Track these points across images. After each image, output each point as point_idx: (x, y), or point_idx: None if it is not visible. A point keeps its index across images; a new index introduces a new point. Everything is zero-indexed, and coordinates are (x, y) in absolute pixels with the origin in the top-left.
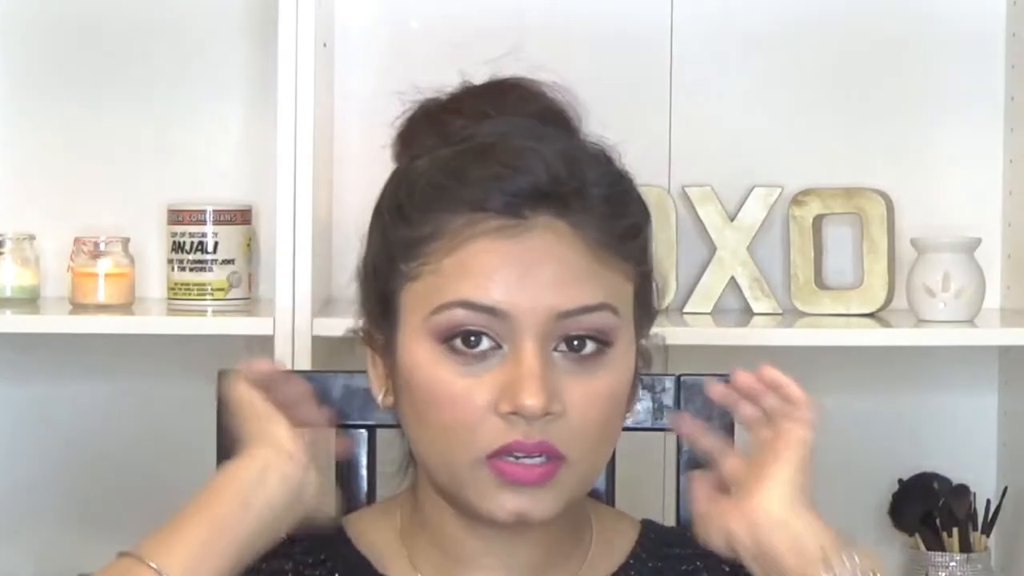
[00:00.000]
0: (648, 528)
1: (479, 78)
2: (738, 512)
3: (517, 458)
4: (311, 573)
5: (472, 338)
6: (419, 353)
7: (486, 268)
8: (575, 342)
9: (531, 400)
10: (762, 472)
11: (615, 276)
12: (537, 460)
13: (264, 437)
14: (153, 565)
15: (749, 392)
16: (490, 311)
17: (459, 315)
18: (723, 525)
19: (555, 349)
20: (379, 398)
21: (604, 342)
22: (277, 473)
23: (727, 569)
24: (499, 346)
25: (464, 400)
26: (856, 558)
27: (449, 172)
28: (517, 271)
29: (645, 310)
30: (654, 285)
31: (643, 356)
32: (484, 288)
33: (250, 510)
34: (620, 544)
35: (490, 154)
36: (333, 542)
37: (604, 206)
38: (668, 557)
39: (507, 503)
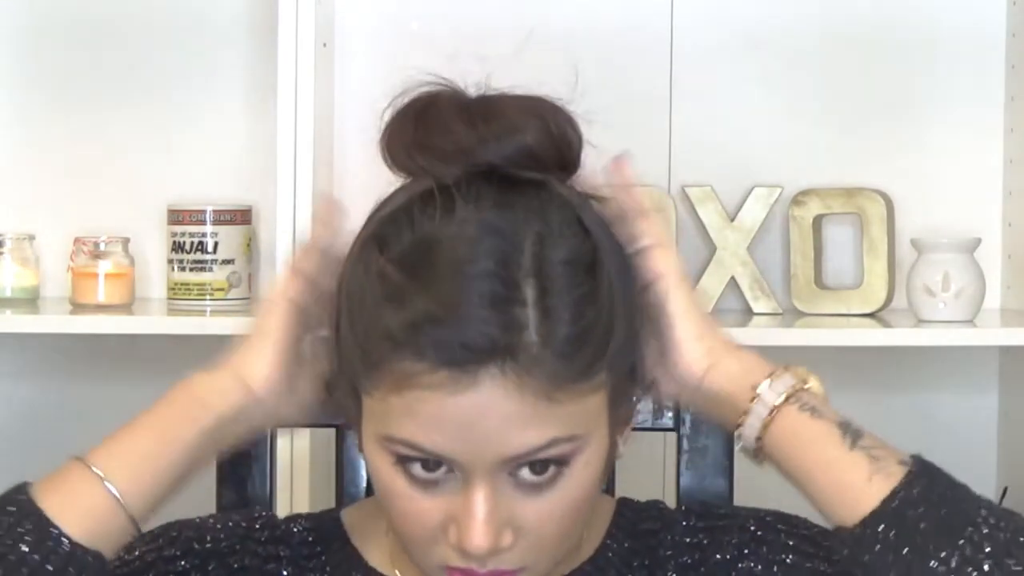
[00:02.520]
0: (622, 506)
1: (479, 77)
2: (668, 378)
3: None
4: (306, 564)
5: (423, 467)
6: (377, 461)
7: (431, 418)
8: (525, 471)
9: (478, 544)
10: (667, 329)
11: (573, 404)
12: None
13: (240, 361)
14: (98, 471)
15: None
16: (434, 454)
17: (408, 451)
18: (669, 392)
19: (509, 474)
20: (357, 440)
21: (558, 467)
22: (231, 402)
23: (700, 539)
24: (452, 471)
25: (418, 519)
26: (788, 375)
27: (392, 308)
28: (459, 426)
29: (625, 403)
30: (639, 356)
31: (627, 418)
32: (429, 436)
33: (197, 424)
34: (596, 525)
35: (434, 296)
36: (329, 534)
37: (563, 346)
38: (642, 534)
39: None
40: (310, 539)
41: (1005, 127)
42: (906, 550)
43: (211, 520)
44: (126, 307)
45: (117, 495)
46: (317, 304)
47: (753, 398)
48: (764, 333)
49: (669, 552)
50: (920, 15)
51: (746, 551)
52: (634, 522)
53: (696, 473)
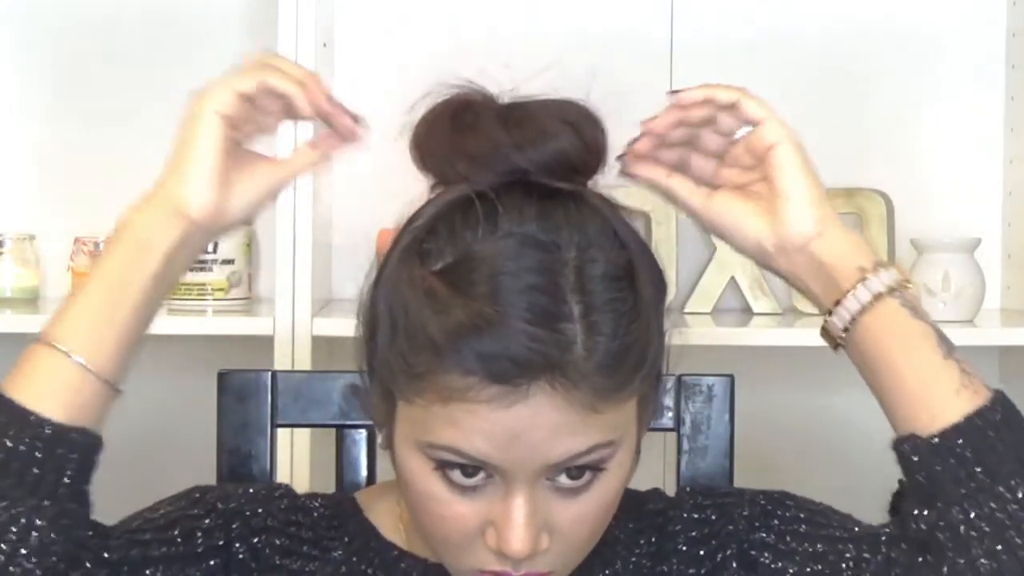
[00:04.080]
0: (624, 494)
1: (479, 77)
2: (769, 231)
3: None
4: (324, 533)
5: (463, 473)
6: (413, 464)
7: (475, 429)
8: (565, 477)
9: (518, 549)
10: (776, 187)
11: (614, 413)
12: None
13: (175, 190)
14: (59, 346)
15: (696, 113)
16: (479, 461)
17: (450, 456)
18: (754, 238)
19: (547, 479)
20: (379, 437)
21: (598, 469)
22: (173, 237)
23: (708, 515)
24: (492, 476)
25: (455, 522)
26: (891, 270)
27: (440, 322)
28: (507, 435)
29: (652, 396)
30: (665, 362)
31: (649, 421)
32: (473, 444)
33: (147, 269)
34: None
35: (484, 311)
36: (345, 510)
37: (607, 362)
38: (645, 515)
39: None
40: (327, 513)
41: (1005, 127)
42: (979, 469)
43: (231, 486)
44: None
45: (85, 364)
46: (250, 111)
47: (859, 280)
48: (764, 333)
49: (678, 527)
50: (920, 15)
51: (757, 523)
52: (637, 506)
53: (696, 473)
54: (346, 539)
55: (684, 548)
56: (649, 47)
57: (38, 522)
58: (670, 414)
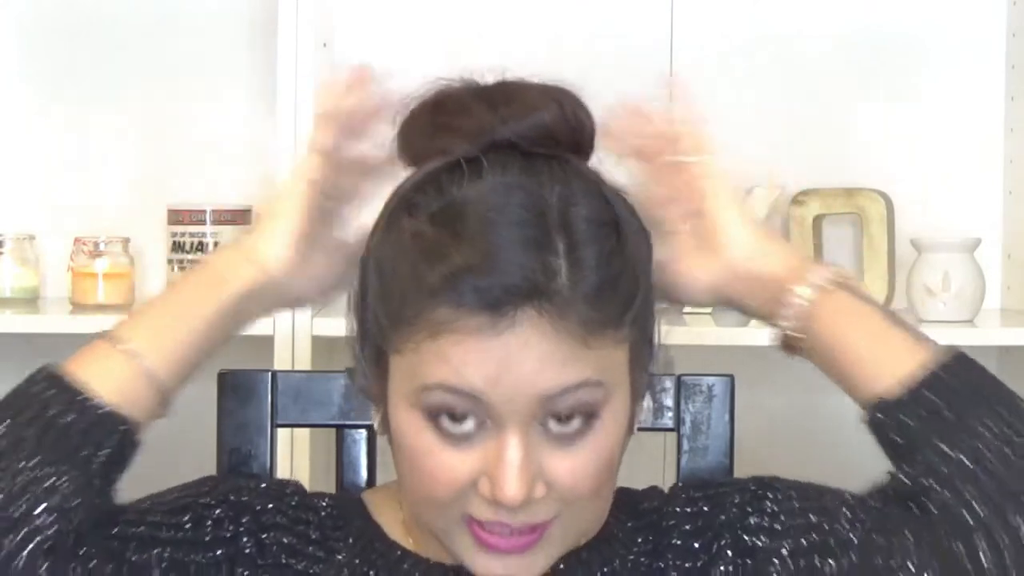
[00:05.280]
0: (621, 493)
1: (478, 77)
2: (717, 265)
3: (501, 534)
4: (331, 533)
5: (456, 417)
6: (405, 421)
7: (466, 360)
8: (559, 419)
9: (511, 493)
10: (712, 222)
11: (603, 349)
12: (519, 531)
13: (256, 242)
14: (127, 346)
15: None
16: (471, 396)
17: (441, 397)
18: (705, 280)
19: (540, 424)
20: (375, 422)
21: (590, 415)
22: (247, 281)
23: (700, 507)
24: (484, 423)
25: (447, 474)
26: (832, 267)
27: (428, 262)
28: (497, 365)
29: (644, 354)
30: (655, 322)
31: (643, 392)
32: (464, 376)
33: (217, 301)
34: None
35: (470, 246)
36: (351, 510)
37: (592, 292)
38: (644, 513)
39: (491, 566)
40: (334, 513)
41: (1005, 127)
42: (948, 414)
43: (244, 479)
44: (126, 307)
45: (140, 360)
46: (340, 176)
47: (801, 279)
48: (764, 333)
49: (672, 522)
50: (920, 15)
51: (749, 509)
52: (635, 504)
53: (696, 473)
54: (350, 540)
55: (679, 542)
56: (649, 47)
57: (62, 484)
58: (670, 414)
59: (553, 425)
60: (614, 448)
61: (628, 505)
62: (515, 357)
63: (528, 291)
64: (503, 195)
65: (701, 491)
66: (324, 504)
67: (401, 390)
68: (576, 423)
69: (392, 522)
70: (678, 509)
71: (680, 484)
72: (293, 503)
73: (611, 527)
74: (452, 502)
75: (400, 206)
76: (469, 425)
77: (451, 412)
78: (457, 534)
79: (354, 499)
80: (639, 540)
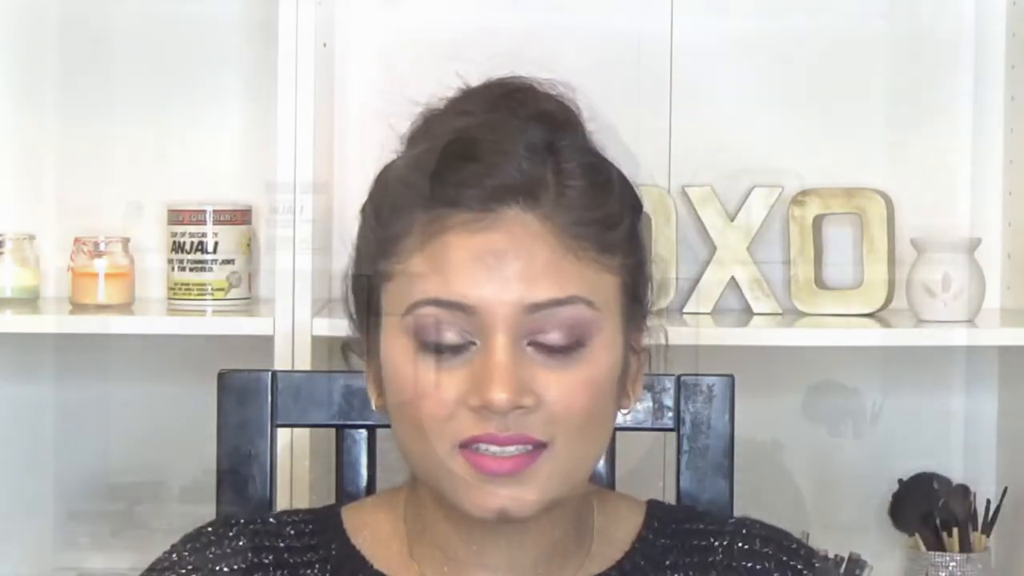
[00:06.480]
0: (654, 508)
1: (478, 77)
2: None
3: (493, 454)
4: (296, 559)
5: (444, 334)
6: (396, 350)
7: (453, 264)
8: (548, 336)
9: (499, 394)
10: None
11: (592, 269)
12: (511, 451)
13: None
14: None
15: None
16: (458, 307)
17: (429, 313)
18: None
19: (528, 343)
20: (372, 400)
21: (579, 340)
22: None
23: (742, 546)
24: (472, 341)
25: (436, 394)
26: None
27: (419, 169)
28: (484, 265)
29: (636, 304)
30: (648, 278)
31: (639, 352)
32: (451, 284)
33: None
34: (624, 529)
35: (460, 150)
36: (327, 531)
37: (578, 197)
38: (678, 533)
39: (485, 500)
40: (309, 529)
41: (1005, 127)
42: None
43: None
44: (126, 307)
45: None
46: None
47: None
48: (764, 333)
49: (720, 557)
50: (920, 15)
51: None
52: (668, 522)
53: (696, 473)
54: (329, 568)
55: None
56: (649, 46)
57: None
58: (670, 414)
59: (543, 342)
60: (604, 380)
61: (661, 521)
62: (501, 257)
63: (515, 189)
64: (489, 117)
65: (769, 546)
66: (289, 530)
67: (392, 321)
68: (564, 342)
69: (379, 544)
70: (734, 548)
71: (744, 521)
72: (239, 545)
73: (637, 550)
74: (444, 425)
75: (387, 162)
76: (458, 340)
77: (439, 329)
78: (452, 467)
79: (333, 515)
80: (667, 563)
